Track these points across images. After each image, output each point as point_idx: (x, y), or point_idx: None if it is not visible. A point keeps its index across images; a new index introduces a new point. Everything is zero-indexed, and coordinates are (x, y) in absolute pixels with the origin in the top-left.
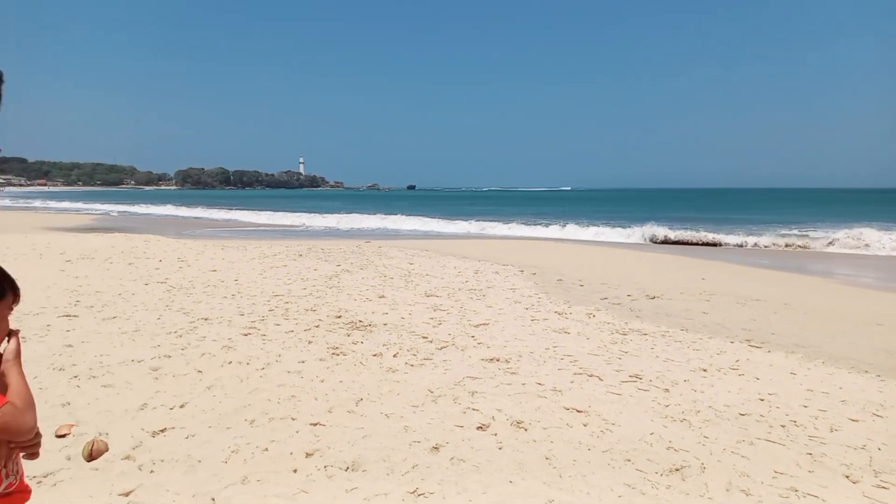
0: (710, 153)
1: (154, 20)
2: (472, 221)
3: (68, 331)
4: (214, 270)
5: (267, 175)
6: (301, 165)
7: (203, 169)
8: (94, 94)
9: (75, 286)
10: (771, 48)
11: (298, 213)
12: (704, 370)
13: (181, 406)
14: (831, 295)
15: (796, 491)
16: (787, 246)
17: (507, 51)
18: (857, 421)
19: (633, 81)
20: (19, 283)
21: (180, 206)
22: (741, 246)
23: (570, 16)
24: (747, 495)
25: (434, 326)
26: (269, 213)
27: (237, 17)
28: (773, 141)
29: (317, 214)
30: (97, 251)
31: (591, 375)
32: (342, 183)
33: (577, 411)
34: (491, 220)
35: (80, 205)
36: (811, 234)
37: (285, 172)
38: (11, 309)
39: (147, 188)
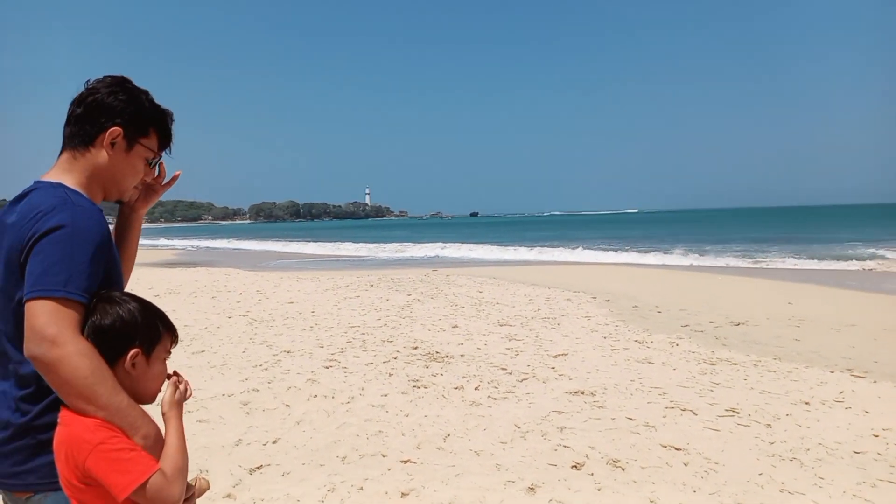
0: (782, 170)
1: (228, 61)
2: (537, 248)
3: None
4: (291, 302)
5: (334, 206)
6: (367, 196)
7: (275, 203)
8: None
9: None
10: (842, 57)
11: (365, 244)
12: (807, 403)
13: (274, 442)
14: None
15: None
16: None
17: (567, 67)
18: None
19: (703, 97)
20: None
21: (254, 239)
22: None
23: (635, 27)
24: None
25: (511, 357)
26: (337, 243)
27: (304, 52)
28: (852, 154)
29: (383, 244)
30: (182, 286)
31: (683, 409)
32: (406, 212)
33: (676, 449)
34: (556, 247)
35: (162, 240)
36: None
37: (352, 203)
38: (169, 352)
39: (223, 223)
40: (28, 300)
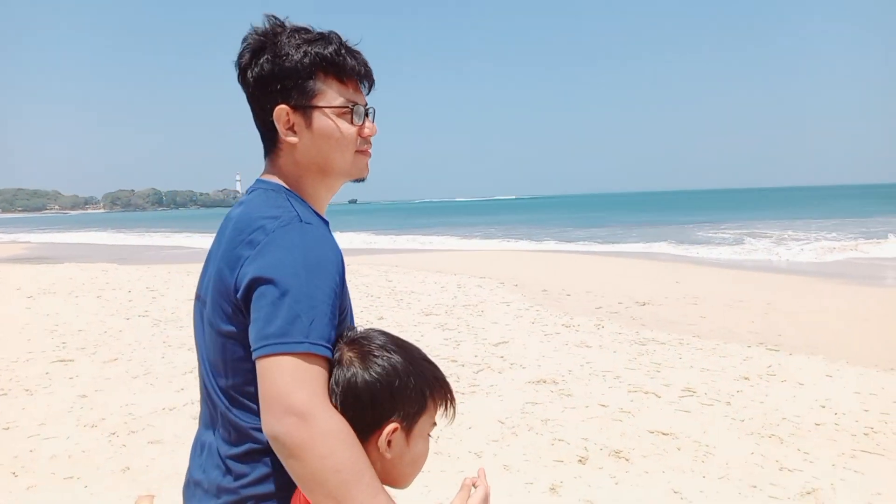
0: (657, 155)
1: (76, 28)
2: (422, 235)
3: (71, 378)
4: (192, 299)
5: (202, 194)
6: (238, 183)
7: (133, 190)
8: (9, 114)
9: (52, 325)
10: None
11: None
12: (746, 378)
13: None
14: (799, 293)
15: None
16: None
17: (445, 48)
18: None
19: (580, 82)
20: None
21: (114, 230)
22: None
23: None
24: None
25: (454, 348)
26: (211, 235)
27: (164, 19)
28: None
29: None
30: (55, 284)
31: (645, 392)
32: None
33: (663, 434)
34: (442, 234)
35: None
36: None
37: (221, 191)
38: (436, 424)
39: (73, 212)
40: (261, 357)
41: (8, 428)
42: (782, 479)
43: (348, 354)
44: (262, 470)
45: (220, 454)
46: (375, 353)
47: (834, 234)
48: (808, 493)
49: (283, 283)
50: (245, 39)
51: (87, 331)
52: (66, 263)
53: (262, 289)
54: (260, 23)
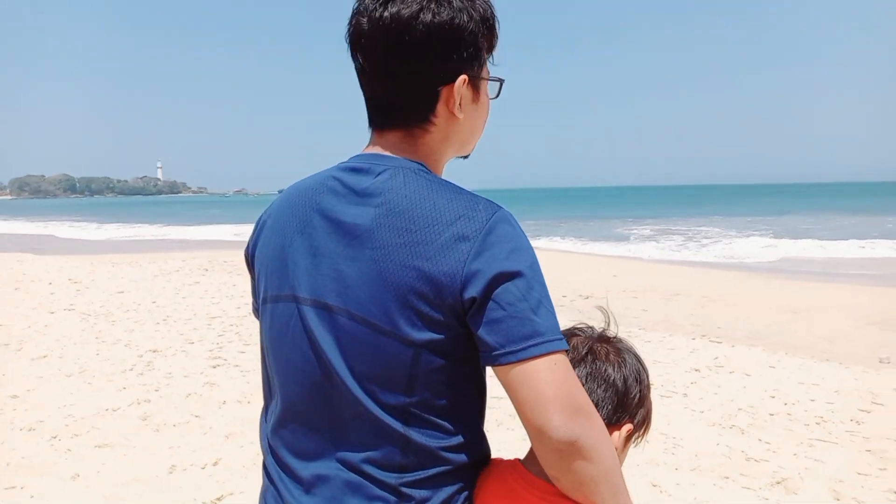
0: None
1: None
2: None
3: None
4: (122, 292)
5: (119, 181)
6: (159, 170)
7: (43, 176)
8: None
9: None
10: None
11: (168, 226)
12: (697, 370)
13: (214, 464)
14: (731, 285)
15: None
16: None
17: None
18: (868, 411)
19: (542, 76)
20: None
21: (23, 219)
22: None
23: None
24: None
25: None
26: (131, 225)
27: None
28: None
29: (188, 226)
30: None
31: None
32: (206, 188)
33: None
34: None
35: None
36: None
37: (141, 178)
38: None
39: None
40: (531, 358)
41: None
42: (751, 470)
43: (603, 349)
44: (447, 491)
45: (382, 483)
46: (629, 353)
47: (759, 231)
48: (778, 483)
49: (529, 275)
50: None
51: (8, 325)
52: None
53: (510, 284)
54: None
